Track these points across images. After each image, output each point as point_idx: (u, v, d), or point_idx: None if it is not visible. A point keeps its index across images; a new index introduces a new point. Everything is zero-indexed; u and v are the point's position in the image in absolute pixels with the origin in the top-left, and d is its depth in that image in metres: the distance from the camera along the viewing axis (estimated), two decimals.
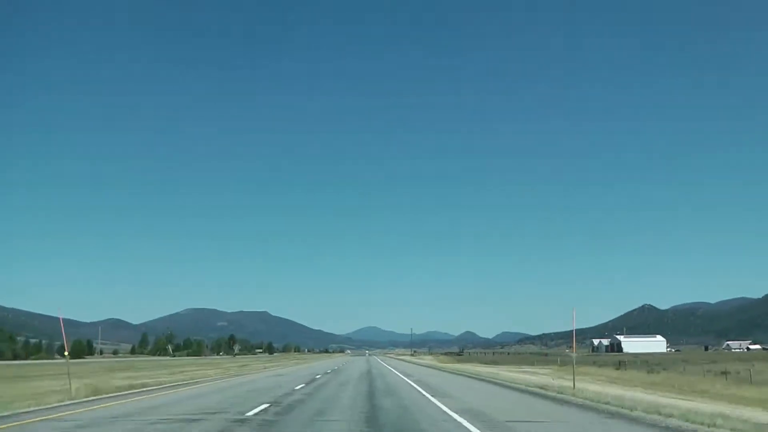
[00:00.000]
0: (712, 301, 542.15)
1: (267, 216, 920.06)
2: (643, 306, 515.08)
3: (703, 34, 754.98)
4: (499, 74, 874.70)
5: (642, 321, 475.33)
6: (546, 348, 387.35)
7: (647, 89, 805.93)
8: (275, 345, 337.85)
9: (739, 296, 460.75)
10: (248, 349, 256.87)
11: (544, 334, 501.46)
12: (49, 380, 32.88)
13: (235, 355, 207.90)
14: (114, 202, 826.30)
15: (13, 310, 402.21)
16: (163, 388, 26.13)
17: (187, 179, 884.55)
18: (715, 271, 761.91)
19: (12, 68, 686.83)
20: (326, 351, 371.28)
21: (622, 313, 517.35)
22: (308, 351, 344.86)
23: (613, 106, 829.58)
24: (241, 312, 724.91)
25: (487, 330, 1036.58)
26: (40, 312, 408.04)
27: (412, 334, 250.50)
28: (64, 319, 21.07)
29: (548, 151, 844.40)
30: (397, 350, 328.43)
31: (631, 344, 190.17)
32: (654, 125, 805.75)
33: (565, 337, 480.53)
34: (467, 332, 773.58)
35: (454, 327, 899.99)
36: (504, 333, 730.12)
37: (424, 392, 21.79)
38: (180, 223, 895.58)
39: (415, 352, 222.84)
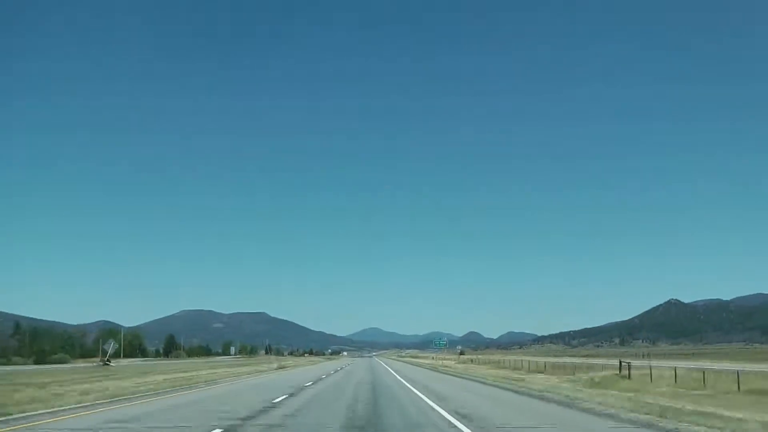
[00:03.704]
0: (727, 298, 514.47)
1: (266, 216, 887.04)
2: (668, 301, 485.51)
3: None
4: (507, 75, 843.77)
5: (669, 318, 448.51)
6: (569, 348, 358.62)
7: (671, 87, 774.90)
8: (267, 346, 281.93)
9: (756, 292, 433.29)
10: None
11: (562, 332, 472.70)
12: None
13: None
14: (104, 201, 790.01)
15: None
16: None
17: (182, 179, 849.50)
18: (733, 266, 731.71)
19: (12, 68, 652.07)
20: (310, 352, 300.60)
21: (647, 309, 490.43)
22: (290, 354, 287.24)
23: (638, 103, 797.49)
24: (239, 313, 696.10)
25: (492, 330, 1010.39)
26: (22, 314, 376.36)
27: (456, 336, 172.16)
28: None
29: (566, 150, 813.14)
30: (410, 351, 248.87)
31: None
32: (675, 124, 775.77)
33: (588, 335, 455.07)
34: (471, 332, 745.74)
35: (457, 327, 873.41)
36: (510, 333, 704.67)
37: None
38: (175, 223, 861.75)
39: (460, 351, 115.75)
